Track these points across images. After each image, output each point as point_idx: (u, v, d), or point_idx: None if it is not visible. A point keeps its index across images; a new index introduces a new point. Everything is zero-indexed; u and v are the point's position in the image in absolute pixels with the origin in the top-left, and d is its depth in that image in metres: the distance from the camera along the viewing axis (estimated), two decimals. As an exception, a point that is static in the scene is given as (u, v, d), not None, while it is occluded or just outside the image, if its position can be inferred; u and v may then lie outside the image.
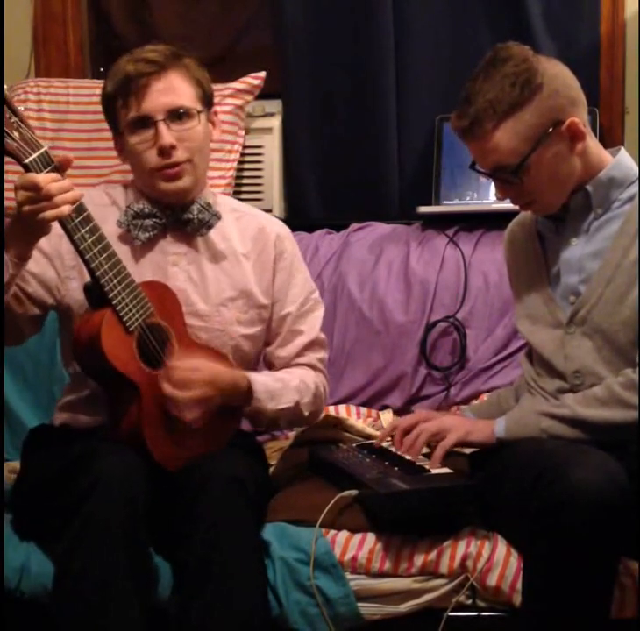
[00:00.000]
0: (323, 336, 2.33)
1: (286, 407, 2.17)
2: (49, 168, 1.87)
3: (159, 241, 2.19)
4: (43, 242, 2.00)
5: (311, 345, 2.29)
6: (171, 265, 2.18)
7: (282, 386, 2.18)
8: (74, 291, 2.14)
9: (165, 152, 2.11)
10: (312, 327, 2.29)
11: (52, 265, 2.13)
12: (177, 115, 2.13)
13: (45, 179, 1.84)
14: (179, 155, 2.12)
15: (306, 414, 2.23)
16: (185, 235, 2.20)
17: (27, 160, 1.86)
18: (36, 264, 2.06)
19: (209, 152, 2.24)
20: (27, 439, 2.24)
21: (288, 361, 2.27)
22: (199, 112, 2.16)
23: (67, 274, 2.14)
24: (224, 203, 2.30)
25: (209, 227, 2.19)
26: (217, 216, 2.20)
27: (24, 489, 2.10)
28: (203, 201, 2.19)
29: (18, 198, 1.84)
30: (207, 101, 2.20)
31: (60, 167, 1.89)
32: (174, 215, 2.18)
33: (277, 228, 2.32)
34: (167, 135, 2.11)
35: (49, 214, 1.84)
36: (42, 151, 1.88)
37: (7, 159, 1.89)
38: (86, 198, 1.95)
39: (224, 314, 2.20)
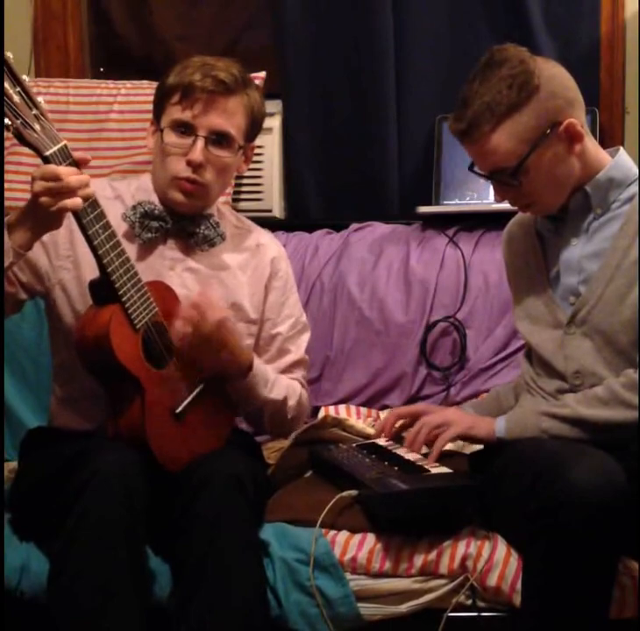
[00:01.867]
0: (307, 357, 2.36)
1: (275, 398, 2.20)
2: (67, 162, 1.87)
3: (158, 244, 2.19)
4: None
5: (297, 364, 2.33)
6: (167, 269, 2.19)
7: (276, 378, 2.22)
8: (65, 281, 2.14)
9: (192, 166, 2.12)
10: (299, 348, 2.33)
11: (45, 252, 2.13)
12: (218, 140, 2.15)
13: (65, 171, 1.84)
14: (203, 175, 2.14)
15: (289, 416, 2.25)
16: (186, 245, 2.21)
17: (48, 153, 1.85)
18: (31, 251, 2.05)
19: (229, 183, 2.25)
20: (25, 440, 2.23)
21: None
22: (239, 147, 2.18)
23: (60, 264, 2.14)
24: (229, 218, 2.31)
25: (212, 245, 2.21)
26: (222, 237, 2.22)
27: (22, 489, 2.10)
28: (214, 219, 2.21)
29: (36, 188, 1.84)
30: (252, 136, 2.22)
31: (78, 164, 1.89)
32: (181, 223, 2.19)
33: (275, 247, 2.35)
34: (201, 152, 2.12)
35: (69, 203, 1.84)
36: (62, 144, 1.87)
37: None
38: None
39: None
